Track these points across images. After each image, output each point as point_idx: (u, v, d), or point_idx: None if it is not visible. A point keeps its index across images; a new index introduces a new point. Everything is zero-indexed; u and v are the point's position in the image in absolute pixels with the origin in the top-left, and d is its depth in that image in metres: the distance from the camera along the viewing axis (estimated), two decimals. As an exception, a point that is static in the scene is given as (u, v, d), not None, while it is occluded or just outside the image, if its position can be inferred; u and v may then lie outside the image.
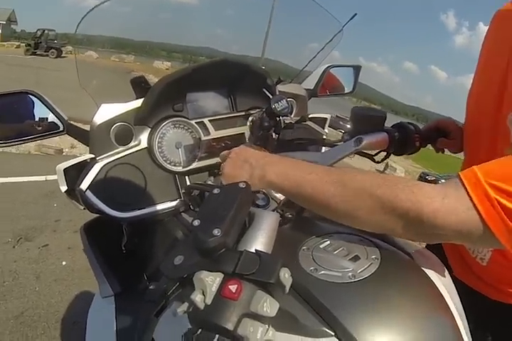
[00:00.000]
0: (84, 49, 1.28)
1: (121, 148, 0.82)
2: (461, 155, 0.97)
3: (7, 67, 14.05)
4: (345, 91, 1.28)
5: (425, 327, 0.52)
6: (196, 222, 0.44)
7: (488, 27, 0.87)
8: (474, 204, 0.46)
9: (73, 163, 0.78)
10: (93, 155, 0.80)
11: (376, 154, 0.90)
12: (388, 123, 0.86)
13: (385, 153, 0.89)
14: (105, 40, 1.38)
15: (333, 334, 0.49)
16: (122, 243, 0.92)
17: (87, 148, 0.82)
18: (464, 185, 0.48)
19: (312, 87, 1.14)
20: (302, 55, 1.28)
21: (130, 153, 0.83)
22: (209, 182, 0.81)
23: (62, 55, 22.25)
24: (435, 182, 13.92)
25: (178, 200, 0.87)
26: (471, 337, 0.58)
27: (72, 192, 0.78)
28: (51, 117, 0.84)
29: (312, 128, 1.04)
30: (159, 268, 0.45)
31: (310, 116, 1.10)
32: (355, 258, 0.59)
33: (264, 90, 0.90)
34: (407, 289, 0.57)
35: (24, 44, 26.28)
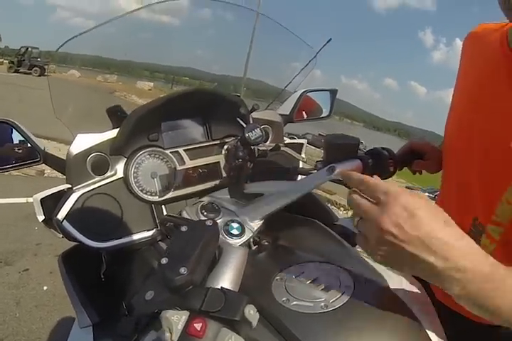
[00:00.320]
0: (66, 68, 1.29)
1: (97, 178, 0.82)
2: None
3: (-11, 85, 13.96)
4: (322, 115, 1.30)
5: None
6: (164, 260, 0.46)
7: (462, 48, 0.89)
8: None
9: (50, 193, 0.78)
10: (70, 185, 0.80)
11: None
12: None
13: None
14: (88, 59, 1.38)
15: None
16: (101, 271, 0.91)
17: None
18: None
19: (288, 113, 1.15)
20: (283, 76, 1.31)
21: (106, 183, 0.83)
22: (184, 213, 0.82)
23: (46, 74, 22.01)
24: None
25: (154, 230, 0.87)
26: None
27: (50, 221, 0.78)
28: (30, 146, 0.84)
29: (289, 154, 1.06)
30: (131, 302, 0.46)
31: (286, 142, 1.11)
32: (328, 288, 0.60)
33: (238, 119, 0.92)
34: (381, 318, 0.57)
35: (7, 61, 26.12)
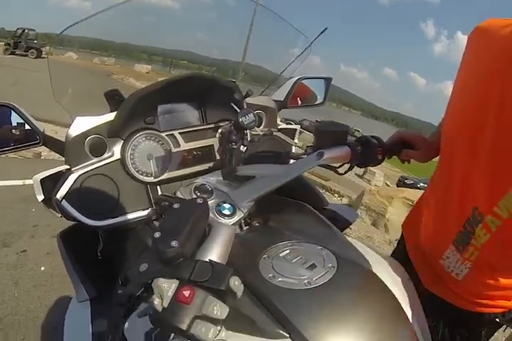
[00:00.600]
0: (63, 50, 1.30)
1: (95, 160, 0.85)
2: (436, 158, 0.97)
3: (-15, 67, 13.77)
4: (316, 102, 1.33)
5: (379, 332, 0.56)
6: (157, 234, 0.49)
7: (466, 42, 0.86)
8: None
9: (49, 174, 0.81)
10: (68, 166, 0.83)
11: (340, 166, 0.92)
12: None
13: (349, 165, 0.91)
14: (86, 41, 1.39)
15: (287, 336, 0.53)
16: (98, 249, 0.94)
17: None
18: None
19: (282, 99, 1.17)
20: (281, 62, 1.33)
21: (104, 164, 0.86)
22: (178, 193, 0.85)
23: (42, 56, 21.81)
24: (414, 185, 13.94)
25: (149, 209, 0.91)
26: None
27: (49, 201, 0.82)
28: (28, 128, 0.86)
29: (281, 139, 1.09)
30: (127, 273, 0.50)
31: (279, 127, 1.14)
32: (312, 267, 0.64)
33: (232, 104, 0.94)
34: (362, 297, 0.61)
35: (3, 43, 25.70)
